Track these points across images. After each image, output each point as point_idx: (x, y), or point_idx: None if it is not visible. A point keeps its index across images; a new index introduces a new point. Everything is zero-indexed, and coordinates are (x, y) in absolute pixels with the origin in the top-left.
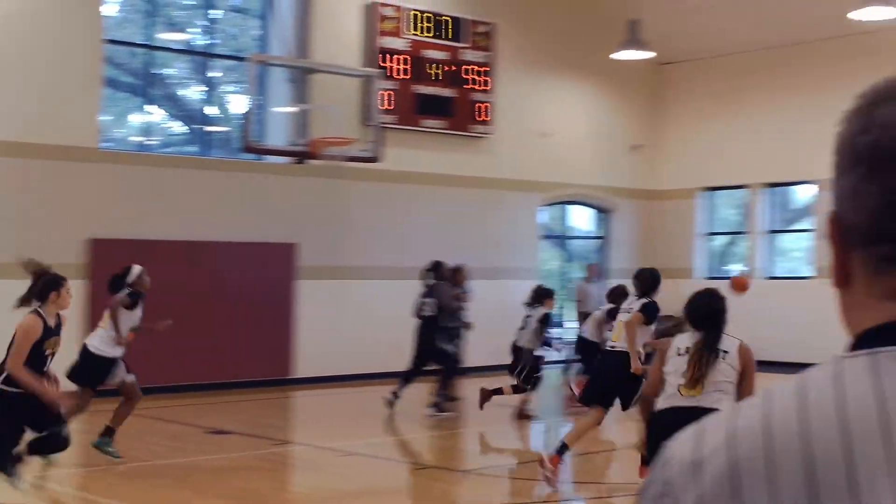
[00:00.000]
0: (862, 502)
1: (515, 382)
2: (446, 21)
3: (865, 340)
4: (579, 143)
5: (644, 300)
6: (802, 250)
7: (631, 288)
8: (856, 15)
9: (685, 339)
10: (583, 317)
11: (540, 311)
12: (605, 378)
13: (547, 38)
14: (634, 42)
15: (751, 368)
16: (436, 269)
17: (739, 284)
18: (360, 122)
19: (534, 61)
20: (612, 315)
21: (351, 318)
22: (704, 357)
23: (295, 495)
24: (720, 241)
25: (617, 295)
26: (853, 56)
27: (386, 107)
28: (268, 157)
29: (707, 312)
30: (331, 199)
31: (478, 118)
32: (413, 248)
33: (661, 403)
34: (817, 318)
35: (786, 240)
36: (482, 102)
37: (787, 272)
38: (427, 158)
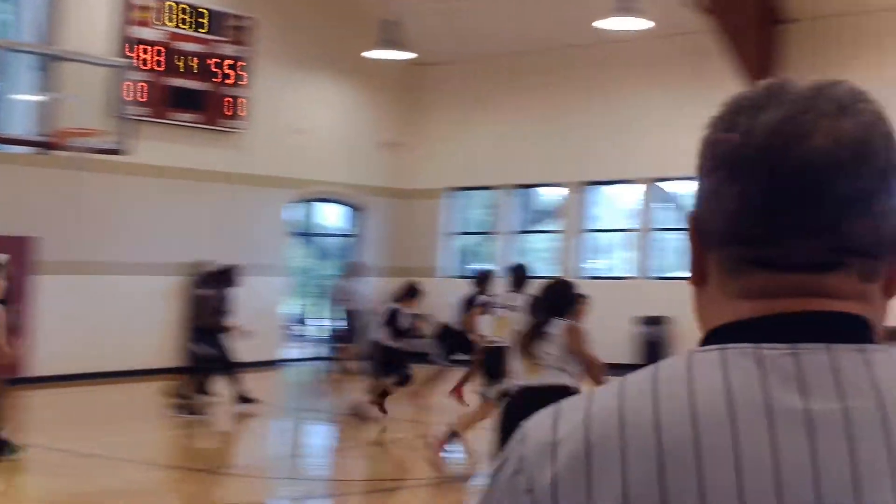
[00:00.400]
0: (707, 491)
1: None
2: (203, 13)
3: (716, 337)
4: (334, 140)
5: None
6: (548, 251)
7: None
8: (602, 24)
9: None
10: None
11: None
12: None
13: (305, 35)
14: (388, 42)
15: (577, 346)
16: (221, 272)
17: None
18: (108, 114)
19: (291, 57)
20: (471, 302)
21: (93, 315)
22: (527, 340)
23: (29, 500)
24: (470, 240)
25: (482, 280)
26: (600, 64)
27: (138, 99)
28: (9, 146)
29: (542, 299)
30: (76, 192)
31: (232, 113)
32: (161, 244)
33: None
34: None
35: (532, 240)
36: (237, 97)
37: (533, 272)
38: (179, 152)
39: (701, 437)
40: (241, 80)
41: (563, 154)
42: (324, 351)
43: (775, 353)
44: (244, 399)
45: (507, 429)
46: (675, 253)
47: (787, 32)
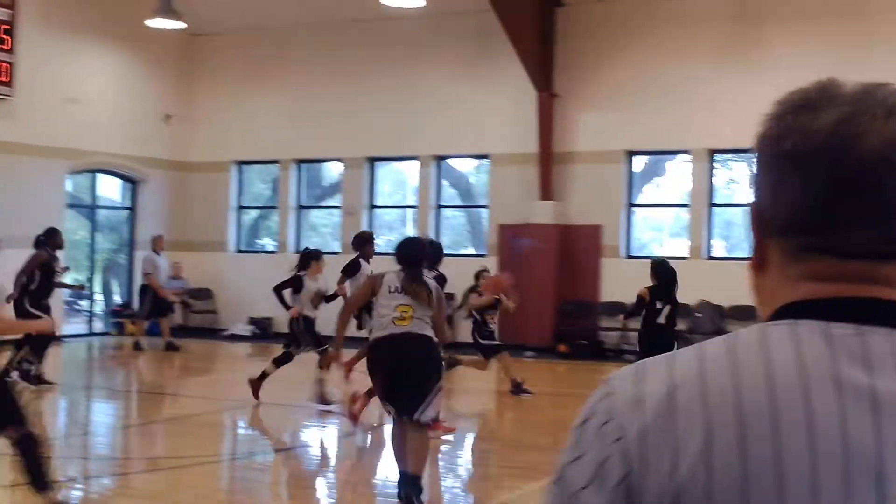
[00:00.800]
0: (783, 456)
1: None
2: None
3: (784, 313)
4: (110, 110)
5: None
6: (331, 226)
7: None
8: (387, 0)
9: (393, 279)
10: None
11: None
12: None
13: (77, 0)
14: (166, 11)
15: (441, 303)
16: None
17: (498, 284)
18: None
19: (62, 22)
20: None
21: None
22: (415, 287)
23: None
24: (252, 215)
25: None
26: (382, 40)
27: None
28: None
29: (408, 255)
30: None
31: None
32: None
33: (378, 333)
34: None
35: (315, 215)
36: (1, 62)
37: (316, 246)
38: None
39: (777, 405)
40: (5, 45)
41: (344, 129)
42: (106, 326)
43: (843, 332)
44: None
45: (373, 370)
46: (454, 231)
47: (565, 14)
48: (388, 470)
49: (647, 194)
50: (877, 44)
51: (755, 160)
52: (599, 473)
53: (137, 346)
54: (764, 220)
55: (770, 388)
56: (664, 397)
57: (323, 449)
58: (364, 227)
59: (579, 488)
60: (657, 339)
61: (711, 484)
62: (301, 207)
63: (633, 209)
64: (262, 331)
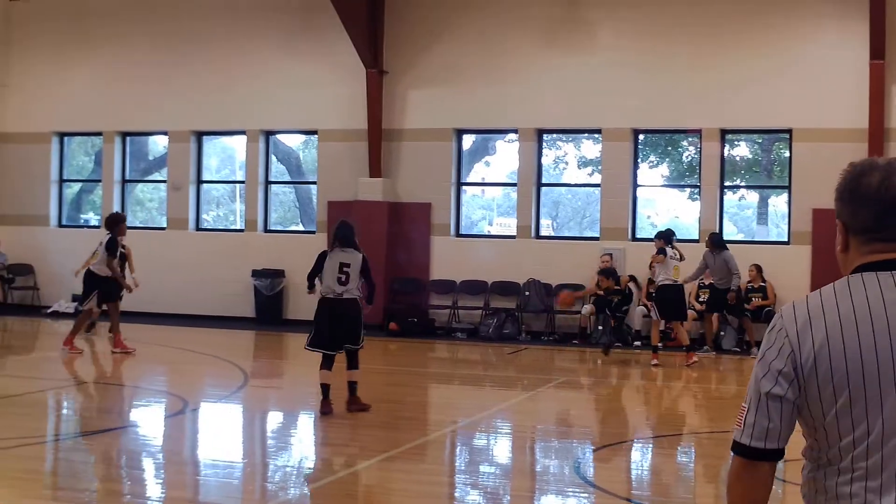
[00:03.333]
0: (860, 337)
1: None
2: None
3: (856, 271)
4: None
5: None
6: (157, 201)
7: None
8: None
9: (338, 256)
10: None
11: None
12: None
13: None
14: None
15: (368, 272)
16: None
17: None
18: None
19: None
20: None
21: None
22: (345, 266)
23: None
24: (75, 188)
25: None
26: (208, 13)
27: None
28: None
29: (341, 236)
30: None
31: None
32: None
33: (324, 294)
34: (164, 266)
35: (141, 190)
36: None
37: (142, 222)
38: None
39: (856, 314)
40: None
41: (170, 102)
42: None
43: (887, 274)
44: None
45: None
46: (284, 207)
47: None
48: (214, 449)
49: (476, 173)
50: (691, 27)
51: (840, 198)
52: (780, 351)
53: None
54: (846, 226)
55: (854, 306)
56: (805, 314)
57: (151, 428)
58: (192, 202)
59: (772, 360)
60: (671, 294)
61: (830, 352)
62: (126, 181)
63: (463, 187)
64: None
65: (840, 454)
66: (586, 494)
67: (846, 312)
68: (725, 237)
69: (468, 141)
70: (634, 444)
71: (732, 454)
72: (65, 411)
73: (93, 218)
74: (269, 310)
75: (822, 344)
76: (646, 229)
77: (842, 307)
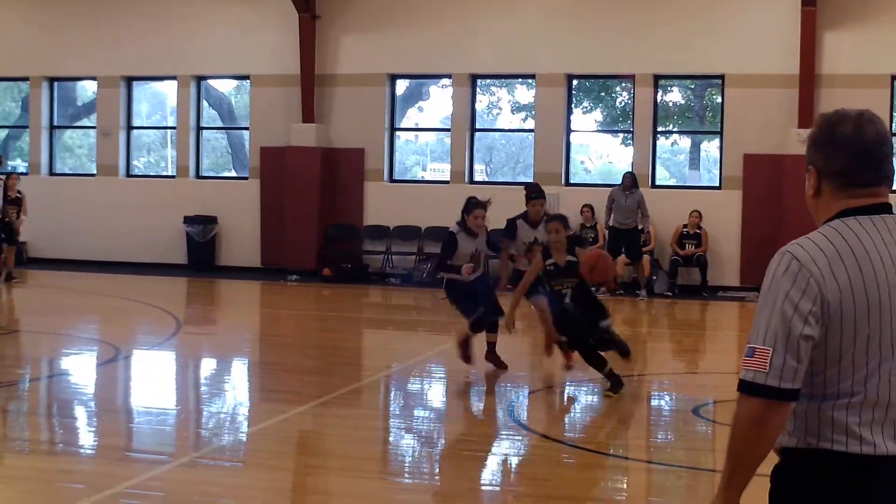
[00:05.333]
0: (862, 267)
1: None
2: None
3: (841, 215)
4: None
5: None
6: (87, 147)
7: None
8: None
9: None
10: None
11: None
12: None
13: None
14: None
15: None
16: None
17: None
18: None
19: None
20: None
21: None
22: None
23: None
24: (1, 135)
25: None
26: None
27: None
28: None
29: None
30: None
31: None
32: None
33: None
34: (95, 213)
35: (70, 136)
36: None
37: (71, 168)
38: None
39: (856, 251)
40: None
41: (98, 47)
42: None
43: (878, 218)
44: None
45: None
46: (216, 153)
47: None
48: (147, 397)
49: (410, 118)
50: None
51: (813, 144)
52: (806, 292)
53: None
54: (819, 171)
55: (855, 244)
56: (822, 255)
57: (82, 376)
58: (122, 148)
59: (798, 300)
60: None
61: (854, 292)
62: (54, 127)
63: (397, 133)
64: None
65: (851, 388)
66: (520, 437)
67: (861, 254)
68: (658, 182)
69: (402, 86)
70: (567, 388)
71: (747, 398)
72: None
73: (20, 165)
74: (201, 256)
75: (846, 284)
76: (579, 174)
77: (855, 249)
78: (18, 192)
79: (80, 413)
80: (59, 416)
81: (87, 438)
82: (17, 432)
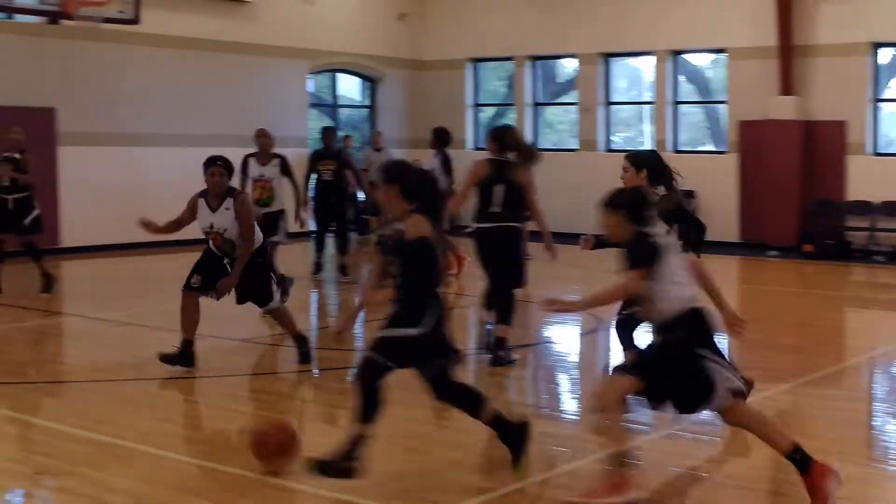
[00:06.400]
0: None
1: None
2: None
3: None
4: (345, 10)
5: None
6: (567, 123)
7: None
8: None
9: None
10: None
11: None
12: None
13: None
14: None
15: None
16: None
17: None
18: None
19: None
20: None
21: (115, 186)
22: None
23: (66, 367)
24: (489, 112)
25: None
26: None
27: None
28: (17, 15)
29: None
30: (89, 63)
31: None
32: (177, 114)
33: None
34: (581, 189)
35: (552, 112)
36: None
37: (553, 144)
38: (188, 22)
39: None
40: None
41: (578, 25)
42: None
43: None
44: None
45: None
46: (693, 127)
47: None
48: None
49: (894, 89)
50: None
51: None
52: None
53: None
54: None
55: None
56: None
57: (565, 344)
58: (600, 123)
59: None
60: None
61: None
62: (537, 105)
63: (880, 104)
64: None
65: None
66: None
67: None
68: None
69: (885, 55)
70: None
71: None
72: None
73: None
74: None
75: None
76: None
77: None
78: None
79: (563, 379)
80: (543, 381)
81: (570, 404)
82: (511, 395)
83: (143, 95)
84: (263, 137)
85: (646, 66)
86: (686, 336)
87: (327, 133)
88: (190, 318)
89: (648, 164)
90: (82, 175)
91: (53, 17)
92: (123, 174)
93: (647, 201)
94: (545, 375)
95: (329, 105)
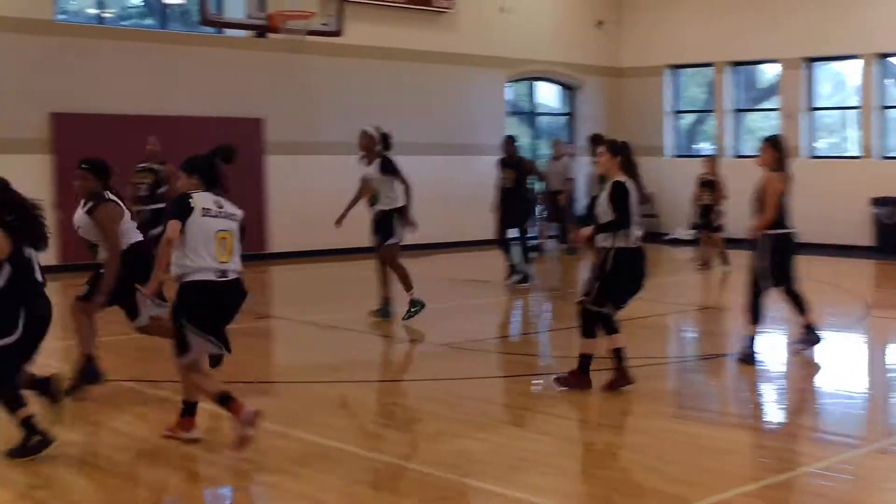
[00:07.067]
0: None
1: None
2: None
3: None
4: (543, 18)
5: None
6: (768, 129)
7: None
8: None
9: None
10: (550, 195)
11: None
12: None
13: None
14: None
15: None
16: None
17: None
18: None
19: None
20: None
21: (319, 194)
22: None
23: (277, 368)
24: (688, 119)
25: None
26: None
27: None
28: (227, 30)
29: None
30: (294, 74)
31: None
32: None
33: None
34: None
35: (752, 119)
36: None
37: (754, 151)
38: (389, 33)
39: None
40: None
41: (780, 28)
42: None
43: None
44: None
45: None
46: None
47: None
48: (835, 378)
49: None
50: None
51: None
52: None
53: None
54: None
55: None
56: None
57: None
58: (803, 129)
59: None
60: None
61: None
62: (737, 111)
63: None
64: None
65: None
66: None
67: None
68: None
69: None
70: None
71: None
72: (685, 334)
73: (705, 147)
74: (890, 239)
75: None
76: None
77: None
78: (713, 175)
79: (769, 390)
80: (747, 392)
81: (775, 416)
82: (705, 404)
83: (345, 105)
84: (361, 138)
85: (850, 71)
86: None
87: (508, 142)
88: (84, 329)
89: (623, 152)
90: (288, 183)
91: (261, 32)
92: (326, 182)
93: None
94: (749, 385)
95: (527, 113)
